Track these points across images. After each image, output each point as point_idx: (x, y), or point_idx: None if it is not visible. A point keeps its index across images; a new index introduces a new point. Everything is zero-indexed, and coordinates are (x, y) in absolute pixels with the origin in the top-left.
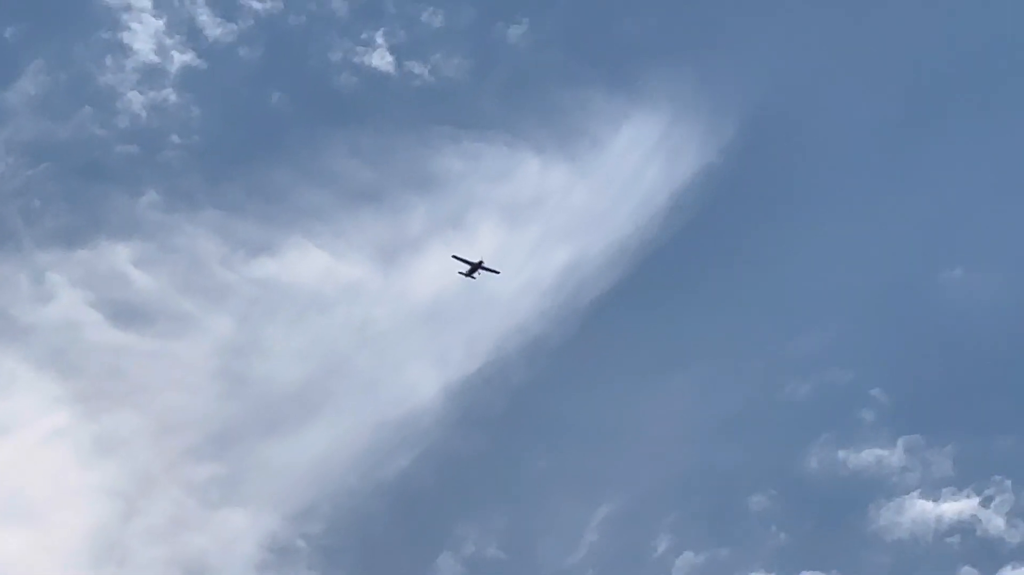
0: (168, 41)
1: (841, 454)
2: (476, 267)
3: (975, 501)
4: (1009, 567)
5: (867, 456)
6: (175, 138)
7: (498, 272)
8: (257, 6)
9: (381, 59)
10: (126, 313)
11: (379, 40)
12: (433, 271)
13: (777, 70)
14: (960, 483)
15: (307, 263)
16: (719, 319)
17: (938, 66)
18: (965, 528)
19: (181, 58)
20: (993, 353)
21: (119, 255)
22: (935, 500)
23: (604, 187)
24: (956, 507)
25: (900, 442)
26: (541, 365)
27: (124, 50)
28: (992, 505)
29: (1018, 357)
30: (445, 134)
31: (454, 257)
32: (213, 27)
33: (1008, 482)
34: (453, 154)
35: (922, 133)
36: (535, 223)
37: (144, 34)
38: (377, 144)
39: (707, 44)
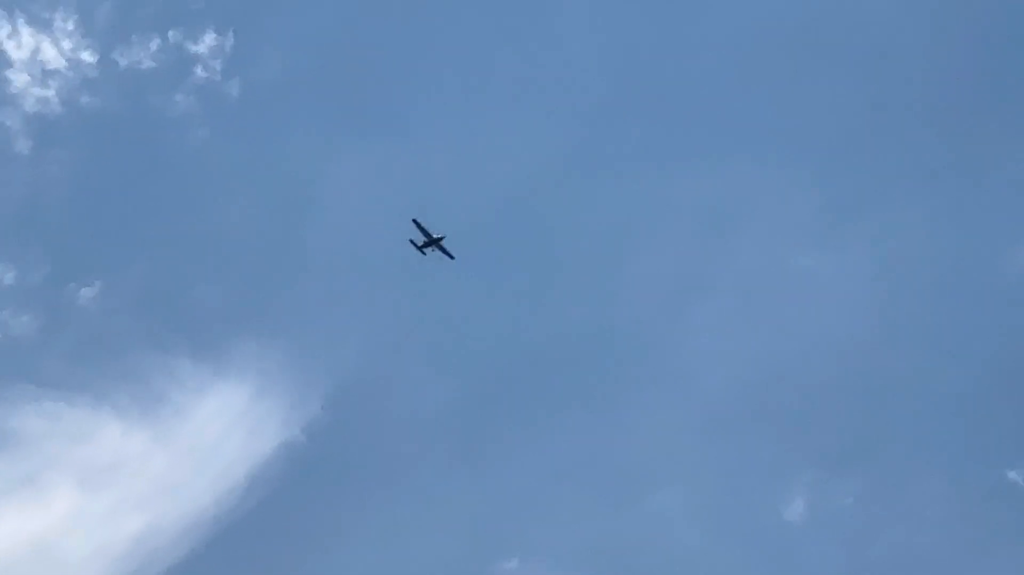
0: None
1: None
2: (433, 243)
3: None
4: None
5: None
6: None
7: (453, 258)
8: None
9: None
10: None
11: None
12: (1, 532)
13: (362, 350)
14: None
15: None
16: None
17: (504, 355)
18: None
19: None
20: None
21: None
22: None
23: (184, 456)
24: None
25: None
26: None
27: None
28: None
29: None
30: (26, 392)
31: (414, 221)
32: None
33: None
34: (32, 413)
35: (488, 422)
36: (111, 488)
37: None
38: None
39: (294, 319)
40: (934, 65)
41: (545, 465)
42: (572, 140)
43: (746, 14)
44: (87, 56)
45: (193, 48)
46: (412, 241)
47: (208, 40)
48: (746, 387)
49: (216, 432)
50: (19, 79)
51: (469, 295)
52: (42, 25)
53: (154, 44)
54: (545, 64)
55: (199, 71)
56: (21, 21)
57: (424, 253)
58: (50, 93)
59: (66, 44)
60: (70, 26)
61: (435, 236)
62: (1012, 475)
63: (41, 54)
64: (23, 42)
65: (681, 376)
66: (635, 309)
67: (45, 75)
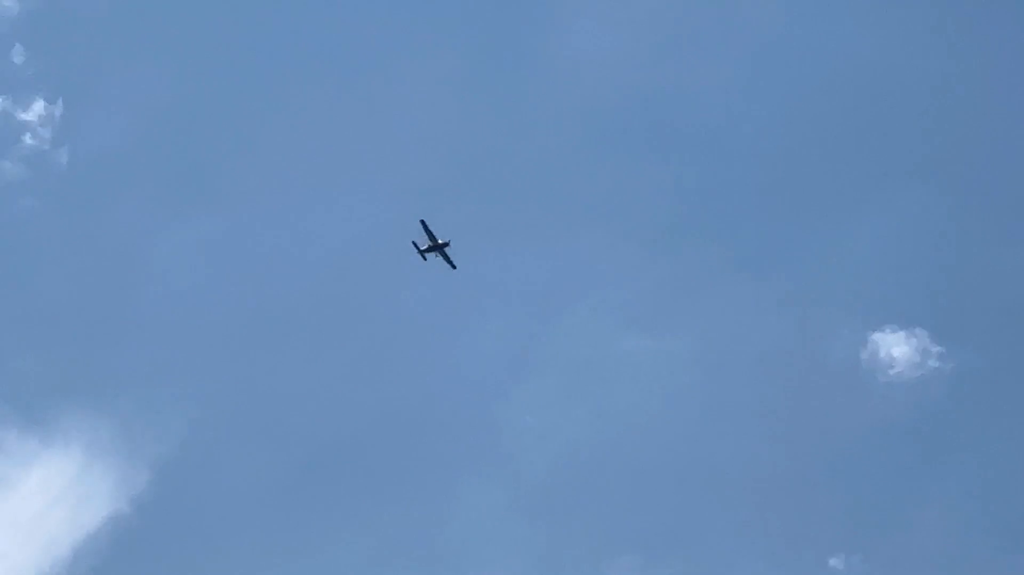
0: None
1: None
2: (437, 248)
3: None
4: None
5: None
6: None
7: (455, 267)
8: None
9: None
10: None
11: None
12: None
13: (190, 423)
14: None
15: None
16: None
17: (330, 432)
18: None
19: None
20: None
21: None
22: None
23: (9, 528)
24: None
25: None
26: None
27: None
28: None
29: None
30: None
31: (421, 222)
32: None
33: None
34: None
35: (312, 499)
36: None
37: None
38: None
39: (123, 391)
40: (766, 150)
41: (367, 545)
42: (403, 215)
43: (578, 93)
44: None
45: (22, 115)
46: (415, 243)
47: (37, 108)
48: (568, 469)
49: (42, 504)
50: None
51: (297, 370)
52: None
53: None
54: (379, 139)
55: (27, 139)
56: None
57: (425, 258)
58: None
59: None
60: None
61: (440, 242)
62: (833, 562)
63: None
64: None
65: (503, 456)
66: (459, 388)
67: None
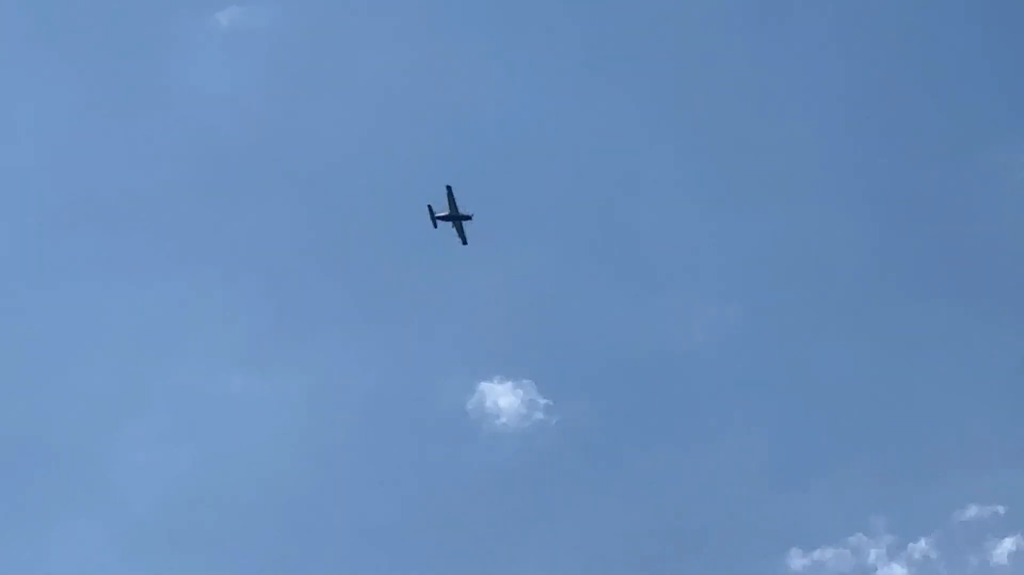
0: None
1: None
2: (454, 218)
3: None
4: None
5: None
6: None
7: (465, 243)
8: None
9: None
10: None
11: None
12: None
13: None
14: None
15: None
16: None
17: None
18: None
19: None
20: None
21: None
22: None
23: None
24: None
25: None
26: None
27: None
28: None
29: None
30: None
31: (447, 188)
32: None
33: None
34: None
35: None
36: None
37: None
38: None
39: None
40: (376, 191)
41: None
42: (11, 248)
43: (196, 128)
44: None
45: None
46: (430, 207)
47: None
48: (174, 508)
49: None
50: None
51: None
52: None
53: None
54: None
55: None
56: None
57: (435, 225)
58: None
59: None
60: None
61: (461, 213)
62: None
63: None
64: None
65: (108, 495)
66: (66, 424)
67: None
